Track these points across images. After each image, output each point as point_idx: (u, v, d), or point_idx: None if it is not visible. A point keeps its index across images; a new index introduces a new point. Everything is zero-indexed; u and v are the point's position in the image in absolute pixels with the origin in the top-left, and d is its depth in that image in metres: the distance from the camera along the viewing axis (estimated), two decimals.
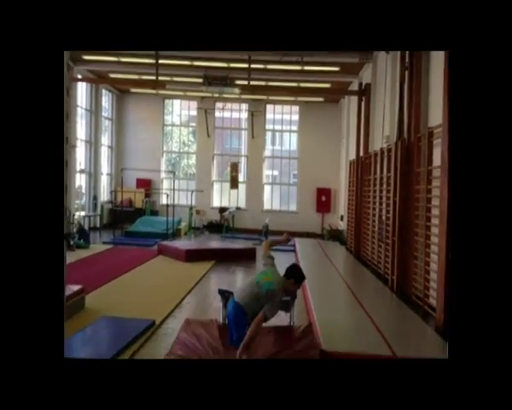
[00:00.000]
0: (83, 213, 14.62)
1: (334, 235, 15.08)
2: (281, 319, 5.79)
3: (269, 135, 18.42)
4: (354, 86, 13.54)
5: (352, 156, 13.07)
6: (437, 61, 6.85)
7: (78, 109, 14.77)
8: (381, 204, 9.52)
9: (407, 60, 7.80)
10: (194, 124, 18.39)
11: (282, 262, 10.73)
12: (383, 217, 9.10)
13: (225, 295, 5.73)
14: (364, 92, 11.88)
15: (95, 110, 15.95)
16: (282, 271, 4.24)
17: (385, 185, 9.15)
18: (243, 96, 16.56)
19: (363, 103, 11.95)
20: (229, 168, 17.88)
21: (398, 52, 8.52)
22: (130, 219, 15.22)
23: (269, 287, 3.92)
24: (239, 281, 9.13)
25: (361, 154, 11.99)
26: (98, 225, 15.51)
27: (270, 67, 12.61)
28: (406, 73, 7.84)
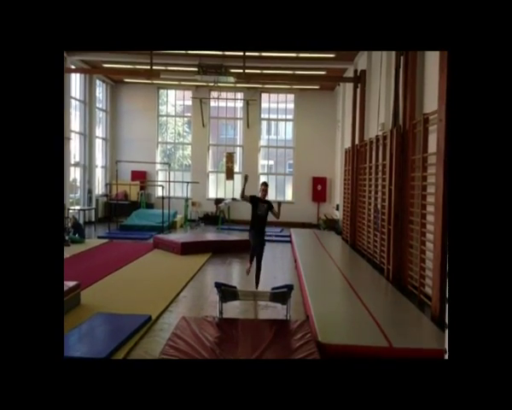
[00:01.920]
0: (77, 208, 14.50)
1: (330, 225, 15.07)
2: (277, 311, 5.79)
3: (264, 124, 18.29)
4: (349, 73, 13.44)
5: (348, 144, 13.00)
6: None
7: (72, 101, 14.60)
8: (376, 193, 9.49)
9: None
10: (189, 114, 18.23)
11: (278, 253, 10.85)
12: (378, 206, 9.07)
13: (222, 288, 5.69)
14: (360, 79, 11.78)
15: (89, 101, 15.77)
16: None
17: (380, 174, 9.10)
18: (238, 85, 16.42)
19: (358, 90, 11.86)
20: (224, 159, 17.77)
21: None
22: (125, 213, 15.15)
23: None
24: (235, 273, 9.12)
25: (356, 142, 11.92)
26: (93, 219, 15.43)
27: (265, 53, 12.48)
28: (401, 58, 7.75)
